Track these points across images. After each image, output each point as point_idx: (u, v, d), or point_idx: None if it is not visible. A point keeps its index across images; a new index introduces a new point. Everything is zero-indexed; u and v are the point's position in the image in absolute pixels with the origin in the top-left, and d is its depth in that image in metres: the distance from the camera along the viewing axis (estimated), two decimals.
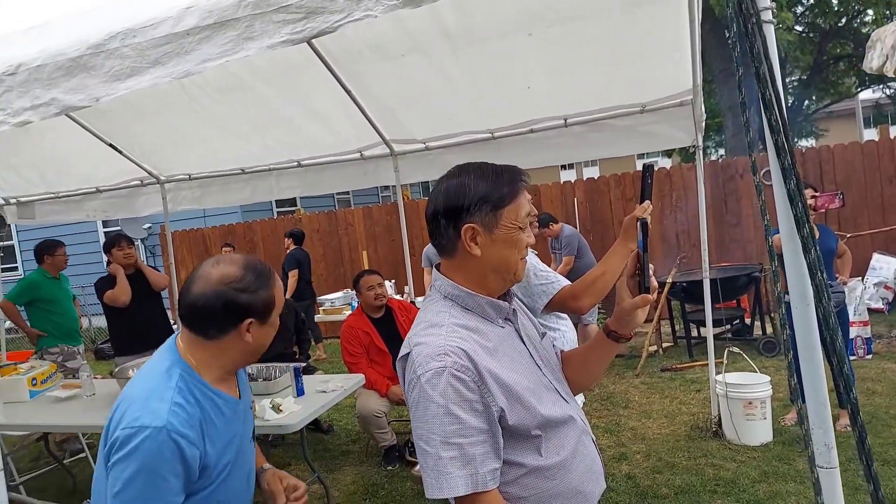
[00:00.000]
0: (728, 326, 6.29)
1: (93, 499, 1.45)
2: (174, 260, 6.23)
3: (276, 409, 3.04)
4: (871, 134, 19.71)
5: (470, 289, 1.27)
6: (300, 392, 3.35)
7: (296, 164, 4.95)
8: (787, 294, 1.39)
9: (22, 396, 3.76)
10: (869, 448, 1.31)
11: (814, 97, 17.39)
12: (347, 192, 14.29)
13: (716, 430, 4.10)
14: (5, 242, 12.35)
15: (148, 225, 11.04)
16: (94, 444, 4.97)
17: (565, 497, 1.25)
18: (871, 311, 6.04)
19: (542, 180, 8.94)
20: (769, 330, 6.21)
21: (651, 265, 1.35)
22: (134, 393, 1.40)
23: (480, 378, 1.16)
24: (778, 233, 1.36)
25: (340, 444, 4.70)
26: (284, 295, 1.82)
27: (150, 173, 5.10)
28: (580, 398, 2.49)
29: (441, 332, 1.20)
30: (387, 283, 5.24)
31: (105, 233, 11.79)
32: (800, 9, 14.93)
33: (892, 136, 8.42)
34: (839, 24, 14.95)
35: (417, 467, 3.08)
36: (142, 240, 11.07)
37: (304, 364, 4.27)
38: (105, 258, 4.93)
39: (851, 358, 5.29)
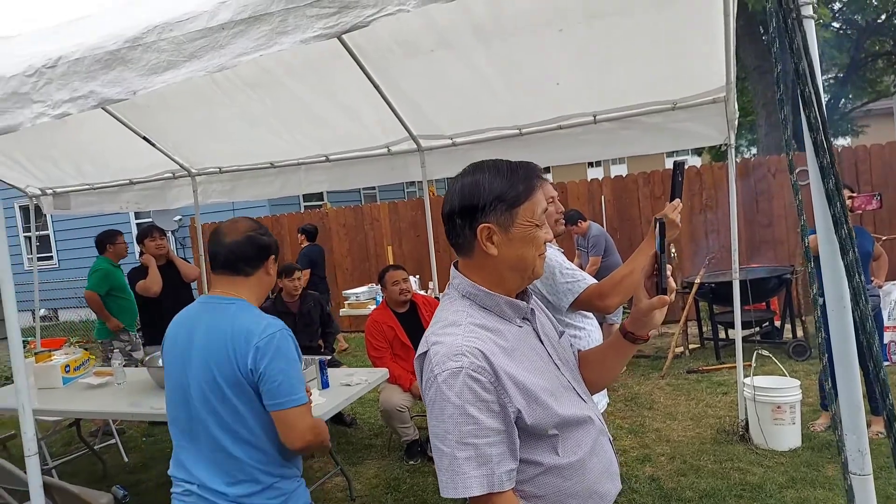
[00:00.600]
0: (757, 329, 6.18)
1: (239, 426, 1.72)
2: (204, 252, 6.32)
3: None
4: None
5: (488, 288, 1.26)
6: (325, 385, 3.38)
7: (324, 158, 4.99)
8: (823, 296, 1.36)
9: (55, 383, 3.86)
10: None
11: (851, 95, 16.94)
12: (373, 188, 14.37)
13: (743, 434, 4.04)
14: (41, 232, 12.69)
15: (178, 217, 11.22)
16: (125, 431, 5.09)
17: (581, 497, 1.25)
18: None
19: (568, 177, 8.88)
20: (800, 333, 6.08)
21: (670, 266, 1.34)
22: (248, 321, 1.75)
23: (497, 379, 1.16)
24: (814, 233, 1.33)
25: (363, 437, 4.74)
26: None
27: (181, 166, 5.19)
28: (604, 401, 2.47)
29: (458, 331, 1.19)
30: (411, 278, 5.27)
31: (137, 224, 12.03)
32: (837, 5, 14.55)
33: None
34: (878, 21, 14.53)
35: None
36: (172, 231, 11.27)
37: (328, 357, 4.31)
38: (137, 249, 5.03)
39: (885, 364, 5.15)
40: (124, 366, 3.91)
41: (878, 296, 4.17)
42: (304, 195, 11.92)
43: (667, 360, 5.68)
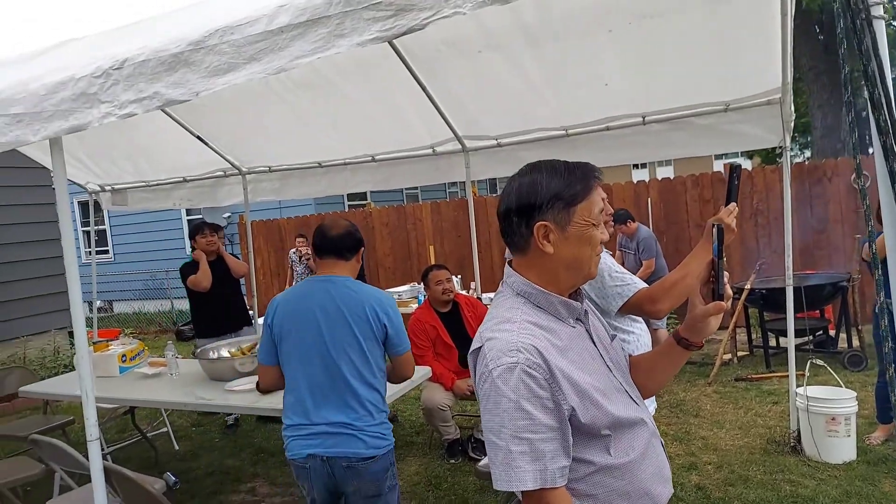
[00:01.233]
0: (810, 337, 5.97)
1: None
2: (253, 248, 6.47)
3: None
4: None
5: (542, 286, 1.27)
6: None
7: (370, 158, 5.05)
8: (892, 302, 1.31)
9: (112, 371, 4.02)
10: None
11: None
12: (416, 188, 14.47)
13: (794, 445, 3.91)
14: (99, 227, 13.22)
15: (227, 214, 11.54)
16: (175, 422, 5.26)
17: (633, 498, 1.25)
18: None
19: (614, 179, 8.76)
20: (855, 343, 5.85)
21: (726, 272, 1.32)
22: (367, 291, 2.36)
23: (552, 376, 1.16)
24: (880, 235, 1.28)
25: (405, 434, 4.78)
26: None
27: (232, 164, 5.33)
28: (653, 406, 2.43)
29: (513, 328, 1.20)
30: (454, 278, 5.28)
31: (188, 221, 12.42)
32: None
33: None
34: None
35: (483, 462, 3.09)
36: (222, 228, 11.60)
37: None
38: (189, 244, 5.20)
39: None
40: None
41: None
42: (348, 194, 12.09)
43: (714, 367, 5.54)
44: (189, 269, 4.75)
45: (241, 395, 3.39)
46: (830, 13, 11.12)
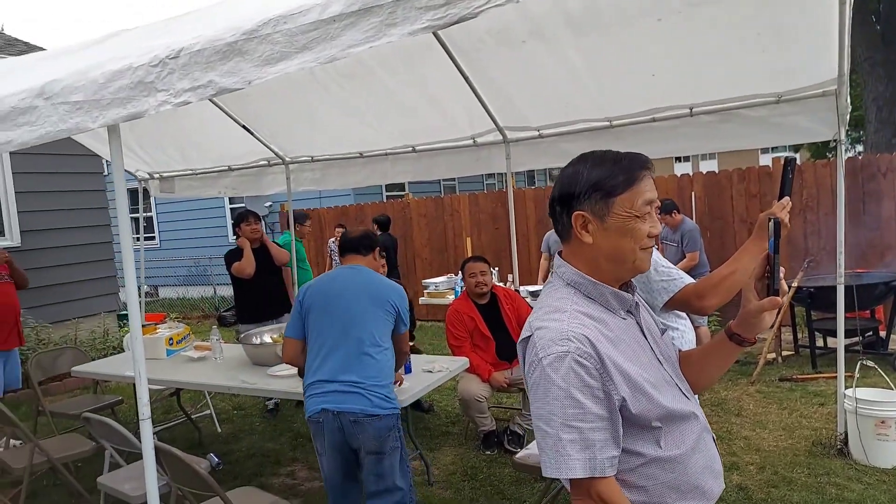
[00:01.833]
0: (860, 338, 5.77)
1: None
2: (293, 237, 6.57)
3: None
4: None
5: (589, 276, 1.26)
6: (407, 370, 3.45)
7: (410, 149, 5.08)
8: None
9: (160, 354, 4.15)
10: None
11: None
12: (453, 179, 14.46)
13: (841, 448, 3.80)
14: (146, 214, 13.61)
15: (269, 203, 11.75)
16: (218, 405, 5.40)
17: (683, 491, 1.24)
18: None
19: (656, 172, 8.57)
20: None
21: (782, 268, 1.29)
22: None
23: (603, 366, 1.16)
24: None
25: (440, 424, 4.80)
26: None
27: (276, 154, 5.42)
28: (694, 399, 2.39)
29: (564, 317, 1.20)
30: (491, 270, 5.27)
31: (232, 209, 12.68)
32: None
33: None
34: None
35: (521, 454, 3.09)
36: (263, 217, 11.82)
37: (411, 343, 4.39)
38: (232, 232, 5.32)
39: None
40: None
41: None
42: (386, 185, 12.17)
43: (757, 366, 5.41)
44: (233, 255, 4.85)
45: (283, 381, 3.47)
46: (889, 1, 10.65)
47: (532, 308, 4.31)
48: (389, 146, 5.10)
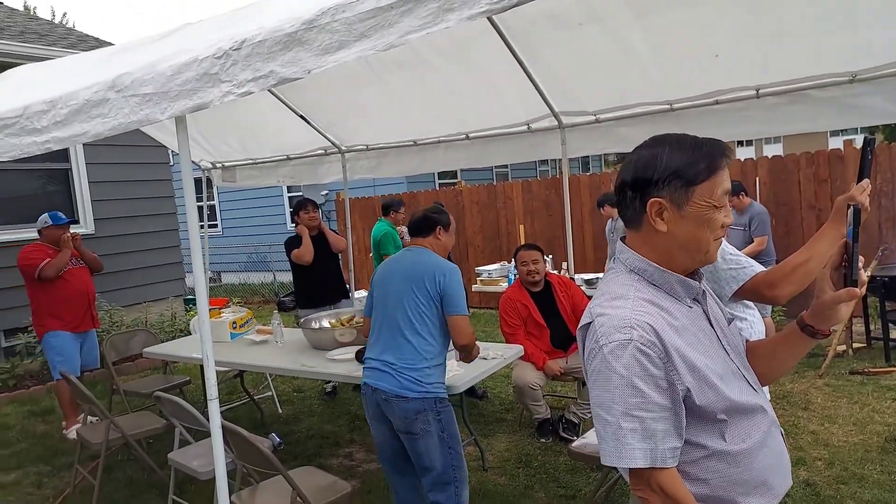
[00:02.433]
0: None
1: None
2: (351, 224, 6.68)
3: None
4: None
5: (657, 264, 1.23)
6: None
7: (464, 136, 5.06)
8: None
9: (224, 337, 4.31)
10: None
11: None
12: (506, 166, 14.36)
13: None
14: (210, 202, 14.11)
15: (325, 191, 11.98)
16: (278, 387, 5.57)
17: (749, 486, 1.20)
18: None
19: None
20: None
21: (861, 257, 1.21)
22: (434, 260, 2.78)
23: (667, 355, 1.13)
24: None
25: (494, 410, 4.82)
26: None
27: (333, 143, 5.51)
28: (765, 392, 2.31)
29: (627, 304, 1.17)
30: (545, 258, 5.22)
31: (289, 197, 12.99)
32: None
33: None
34: None
35: (577, 442, 3.07)
36: (320, 205, 12.06)
37: None
38: (290, 220, 5.45)
39: None
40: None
41: None
42: (438, 173, 12.19)
43: (826, 359, 5.18)
44: (293, 243, 4.98)
45: (341, 364, 3.55)
46: None
47: (587, 296, 4.24)
48: (443, 133, 5.10)
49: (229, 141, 5.66)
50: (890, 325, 5.51)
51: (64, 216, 4.82)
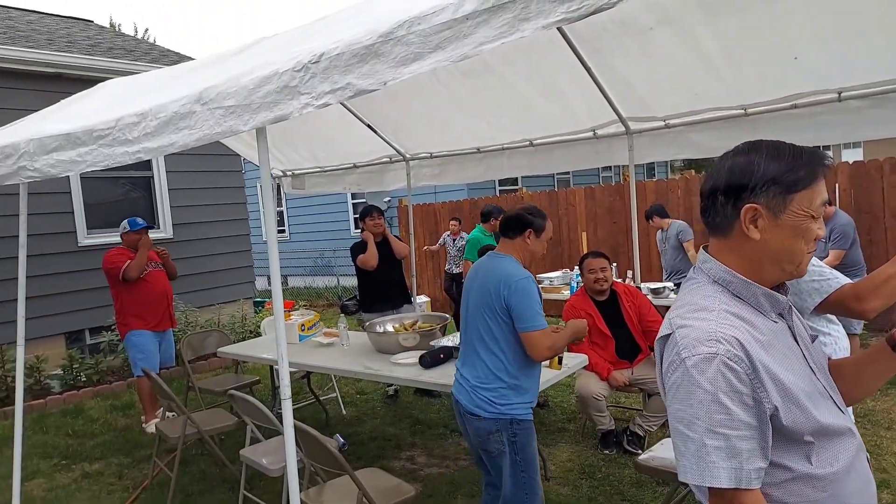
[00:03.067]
0: None
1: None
2: (414, 231, 6.77)
3: None
4: None
5: (743, 275, 1.19)
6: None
7: (528, 143, 5.06)
8: None
9: (293, 339, 4.45)
10: None
11: None
12: (567, 172, 14.20)
13: None
14: (278, 209, 14.60)
15: (388, 198, 12.19)
16: (342, 389, 5.70)
17: None
18: None
19: None
20: None
21: None
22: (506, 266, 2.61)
23: (754, 371, 1.09)
24: None
25: (556, 420, 4.77)
26: None
27: (398, 151, 5.61)
28: (849, 414, 2.20)
29: (711, 316, 1.14)
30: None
31: (353, 204, 13.29)
32: None
33: None
34: None
35: (644, 455, 3.00)
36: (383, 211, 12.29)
37: None
38: (353, 226, 5.56)
39: None
40: None
41: None
42: (499, 180, 12.20)
43: None
44: (358, 248, 5.10)
45: (405, 368, 3.60)
46: None
47: (654, 306, 4.11)
48: (506, 140, 5.11)
49: (299, 150, 5.85)
50: None
51: (141, 221, 5.08)
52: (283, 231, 14.88)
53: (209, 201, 8.02)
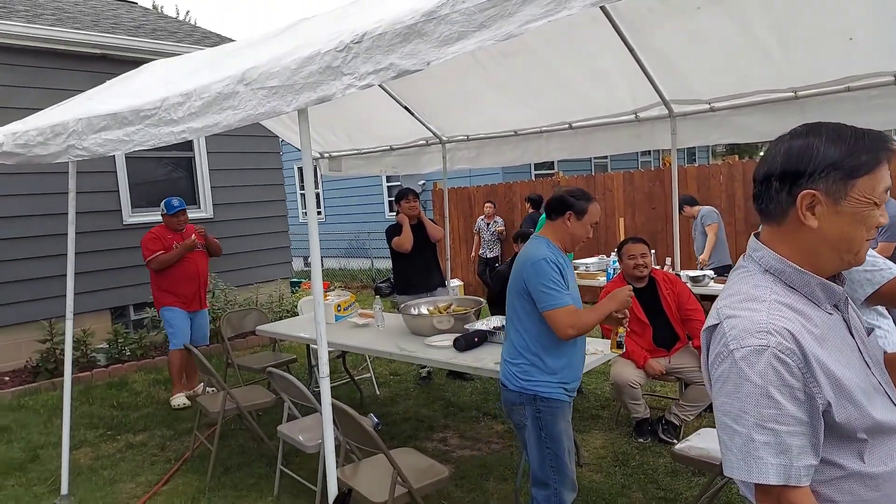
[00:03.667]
0: None
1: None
2: (449, 214, 6.77)
3: None
4: None
5: (798, 264, 1.14)
6: None
7: (566, 126, 4.98)
8: None
9: (329, 319, 4.50)
10: None
11: None
12: (605, 157, 13.97)
13: None
14: (315, 190, 14.76)
15: (422, 181, 12.19)
16: (376, 370, 5.76)
17: None
18: None
19: None
20: None
21: None
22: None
23: (807, 365, 1.05)
24: None
25: (590, 407, 4.74)
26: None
27: (434, 134, 5.59)
28: None
29: (762, 307, 1.09)
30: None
31: (388, 187, 13.34)
32: None
33: None
34: None
35: (680, 445, 2.96)
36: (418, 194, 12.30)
37: None
38: (388, 209, 5.58)
39: None
40: None
41: None
42: (536, 163, 12.07)
43: None
44: (394, 231, 5.11)
45: (440, 351, 3.61)
46: None
47: (694, 294, 3.98)
48: (545, 123, 5.05)
49: (337, 131, 5.88)
50: None
51: (177, 203, 5.12)
52: (318, 213, 15.03)
53: (248, 182, 8.14)
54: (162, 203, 5.18)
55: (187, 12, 38.73)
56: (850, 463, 1.09)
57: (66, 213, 3.63)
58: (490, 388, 5.15)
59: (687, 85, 4.08)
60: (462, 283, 9.68)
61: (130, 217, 7.06)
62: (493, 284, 5.20)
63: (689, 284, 4.99)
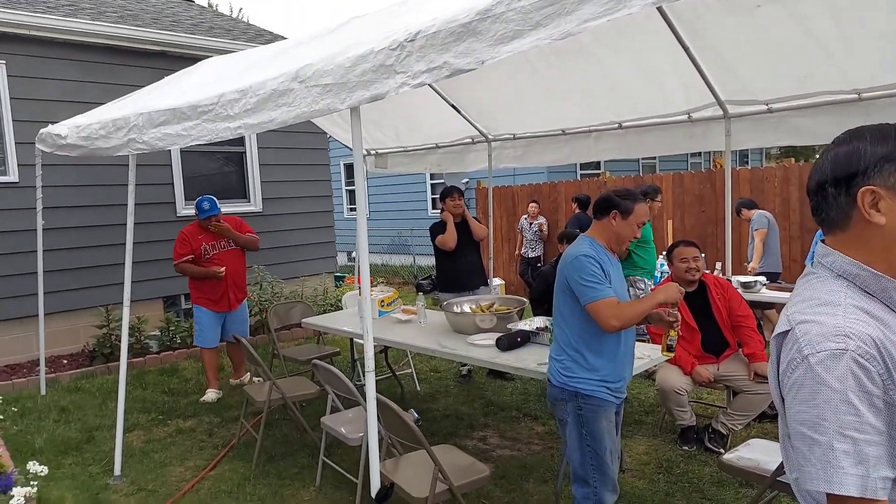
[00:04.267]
0: None
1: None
2: (493, 213, 6.75)
3: None
4: None
5: (872, 267, 1.09)
6: None
7: (616, 125, 4.90)
8: None
9: (373, 314, 4.55)
10: None
11: None
12: (654, 158, 13.69)
13: None
14: (351, 187, 14.93)
15: (466, 180, 12.19)
16: (417, 366, 5.80)
17: None
18: None
19: None
20: None
21: None
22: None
23: (888, 372, 1.00)
24: None
25: (633, 412, 4.66)
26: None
27: (480, 132, 5.58)
28: None
29: (837, 311, 1.05)
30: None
31: (431, 185, 13.39)
32: None
33: None
34: None
35: (728, 455, 2.88)
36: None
37: None
38: (430, 207, 5.58)
39: None
40: None
41: None
42: (581, 163, 11.92)
43: None
44: (438, 228, 5.12)
45: (481, 349, 3.61)
46: None
47: (746, 301, 3.85)
48: (594, 123, 4.98)
49: (384, 129, 5.93)
50: None
51: (207, 206, 5.04)
52: (352, 209, 15.22)
53: (296, 177, 8.29)
54: (195, 203, 5.17)
55: (240, 10, 39.71)
56: None
57: (122, 204, 3.77)
58: (531, 389, 5.11)
59: (743, 86, 3.96)
60: (503, 282, 9.64)
61: (184, 209, 7.28)
62: (536, 285, 5.16)
63: (739, 290, 4.86)
